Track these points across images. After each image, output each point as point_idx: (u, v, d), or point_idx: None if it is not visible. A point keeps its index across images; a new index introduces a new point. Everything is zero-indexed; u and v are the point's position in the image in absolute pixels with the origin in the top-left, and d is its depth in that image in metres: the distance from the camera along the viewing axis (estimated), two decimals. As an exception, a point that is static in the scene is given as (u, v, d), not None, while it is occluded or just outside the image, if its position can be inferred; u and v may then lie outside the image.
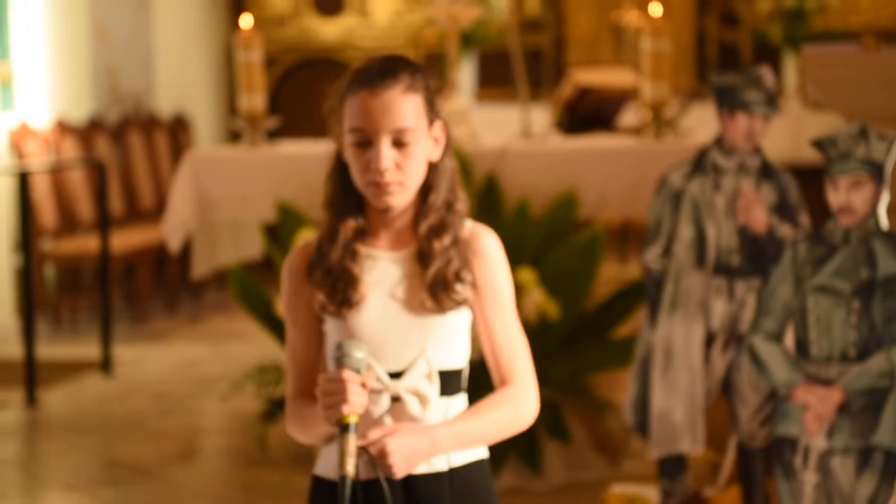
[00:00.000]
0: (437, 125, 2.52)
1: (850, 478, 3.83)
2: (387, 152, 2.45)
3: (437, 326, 2.49)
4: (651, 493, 5.04)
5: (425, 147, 2.50)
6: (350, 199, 2.53)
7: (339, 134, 2.52)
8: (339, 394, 2.38)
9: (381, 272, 2.51)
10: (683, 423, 4.74)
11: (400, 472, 2.43)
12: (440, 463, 2.51)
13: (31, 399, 7.17)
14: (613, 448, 5.80)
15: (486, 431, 2.52)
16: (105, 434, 6.65)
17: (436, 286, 2.48)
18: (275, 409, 5.92)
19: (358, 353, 2.41)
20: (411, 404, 2.48)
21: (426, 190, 2.52)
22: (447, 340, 2.51)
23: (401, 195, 2.48)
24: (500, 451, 5.42)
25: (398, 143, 2.46)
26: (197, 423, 6.90)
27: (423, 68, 2.53)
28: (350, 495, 2.36)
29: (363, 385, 2.40)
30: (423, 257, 2.50)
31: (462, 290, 2.49)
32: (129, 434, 6.63)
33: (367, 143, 2.46)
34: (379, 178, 2.45)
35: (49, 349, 8.15)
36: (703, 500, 4.96)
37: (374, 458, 2.42)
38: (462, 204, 2.54)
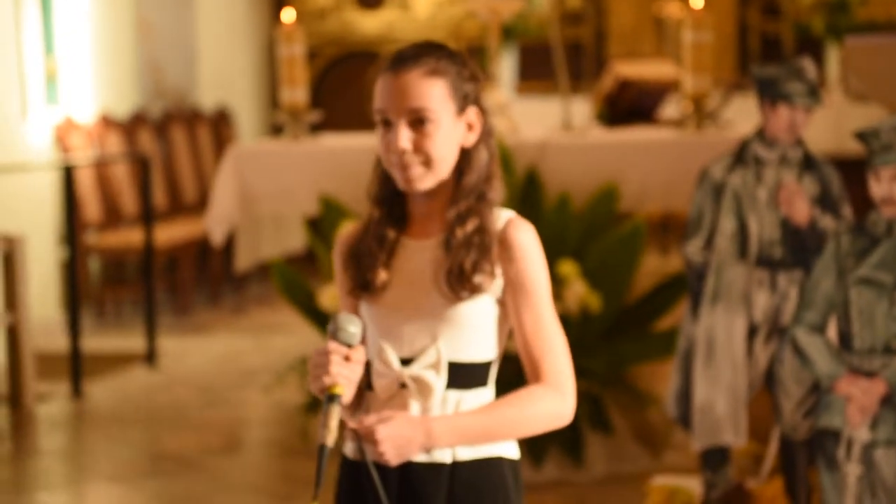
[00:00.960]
0: (472, 111, 2.51)
1: (894, 470, 3.82)
2: (403, 132, 2.46)
3: (451, 316, 2.48)
4: (693, 484, 5.04)
5: (452, 131, 2.49)
6: (388, 186, 2.54)
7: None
8: (323, 366, 2.39)
9: (408, 259, 2.52)
10: (726, 416, 4.74)
11: (391, 459, 2.43)
12: (443, 455, 2.48)
13: (76, 391, 7.23)
14: (655, 440, 5.81)
15: (502, 428, 2.47)
16: (149, 426, 6.70)
17: (452, 273, 2.47)
18: (317, 401, 5.95)
19: (351, 328, 2.42)
20: (413, 392, 2.48)
21: (460, 177, 2.52)
22: (462, 331, 2.49)
23: (426, 179, 2.48)
24: (542, 443, 5.45)
25: (417, 124, 2.46)
26: (240, 415, 6.94)
27: (459, 55, 2.53)
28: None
29: (347, 358, 2.40)
30: (447, 244, 2.50)
31: (479, 279, 2.47)
32: (173, 426, 6.68)
33: (388, 123, 2.48)
34: (398, 159, 2.47)
35: (94, 342, 8.21)
36: (746, 492, 4.95)
37: (364, 442, 2.43)
38: (495, 193, 2.52)
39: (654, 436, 5.83)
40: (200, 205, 9.86)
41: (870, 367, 3.85)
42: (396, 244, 2.53)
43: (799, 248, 4.66)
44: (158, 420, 6.79)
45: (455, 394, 2.49)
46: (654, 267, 7.53)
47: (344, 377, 2.39)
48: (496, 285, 2.50)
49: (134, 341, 8.25)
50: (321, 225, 5.90)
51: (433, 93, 2.47)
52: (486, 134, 2.54)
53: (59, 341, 8.14)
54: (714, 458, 4.84)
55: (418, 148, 2.46)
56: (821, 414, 3.94)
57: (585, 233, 5.60)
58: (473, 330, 2.49)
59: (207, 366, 7.95)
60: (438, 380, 2.48)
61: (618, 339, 5.65)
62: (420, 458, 2.47)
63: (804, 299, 4.01)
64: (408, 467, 2.48)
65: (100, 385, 7.46)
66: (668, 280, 5.80)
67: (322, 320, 5.88)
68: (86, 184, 8.94)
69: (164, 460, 6.10)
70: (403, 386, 2.49)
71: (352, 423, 2.47)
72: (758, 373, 4.76)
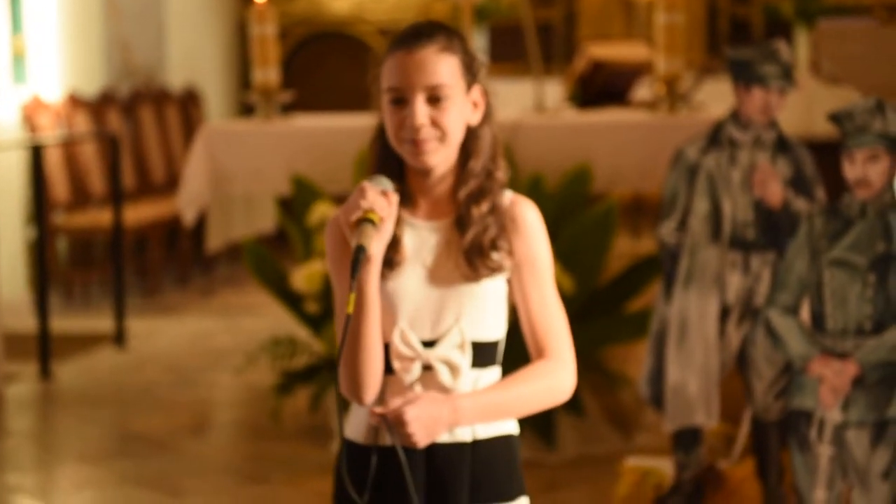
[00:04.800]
0: (476, 90, 2.53)
1: (865, 451, 3.84)
2: (421, 108, 2.46)
3: (472, 295, 2.49)
4: (665, 465, 5.05)
5: (462, 108, 2.50)
6: (391, 166, 2.53)
7: (379, 100, 2.53)
8: (359, 197, 2.41)
9: (419, 241, 2.51)
10: (698, 396, 4.75)
11: (420, 441, 2.43)
12: (464, 434, 2.50)
13: (44, 372, 7.20)
14: (627, 421, 5.82)
15: (515, 404, 2.51)
16: (118, 407, 6.68)
17: (471, 252, 2.48)
18: (288, 382, 5.94)
19: (385, 181, 2.47)
20: (443, 374, 2.49)
21: (465, 156, 2.53)
22: (481, 311, 2.51)
23: (439, 153, 2.48)
24: (514, 424, 5.45)
25: (433, 100, 2.47)
26: (210, 396, 6.92)
27: (463, 35, 2.55)
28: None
29: (384, 194, 2.43)
30: (461, 224, 2.50)
31: (498, 257, 2.49)
32: (143, 407, 6.66)
33: (402, 100, 2.48)
34: (415, 136, 2.46)
35: (62, 322, 8.17)
36: (718, 472, 4.97)
37: (392, 426, 2.43)
38: (502, 173, 2.54)
39: (626, 417, 5.84)
40: (169, 185, 9.82)
41: (842, 348, 3.86)
42: (406, 225, 2.52)
43: (772, 229, 4.67)
44: (128, 401, 6.77)
45: (475, 373, 2.52)
46: (626, 249, 7.54)
47: (380, 207, 2.41)
48: (510, 263, 2.52)
49: (103, 322, 8.21)
50: (293, 205, 5.88)
51: (449, 69, 2.48)
52: (490, 114, 2.56)
53: (27, 322, 8.10)
54: (686, 439, 4.85)
55: (435, 123, 2.47)
56: (793, 395, 3.96)
57: (558, 214, 5.59)
58: (490, 309, 2.52)
59: (177, 347, 7.92)
60: (464, 360, 2.50)
61: (590, 321, 5.65)
62: (443, 438, 2.48)
63: (777, 281, 4.02)
64: (432, 449, 2.49)
65: (68, 366, 7.42)
66: (641, 261, 5.81)
67: (293, 301, 5.86)
68: (54, 163, 8.88)
69: (134, 441, 6.08)
70: (427, 368, 2.49)
71: (377, 409, 2.45)
72: (730, 354, 4.77)
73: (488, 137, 2.54)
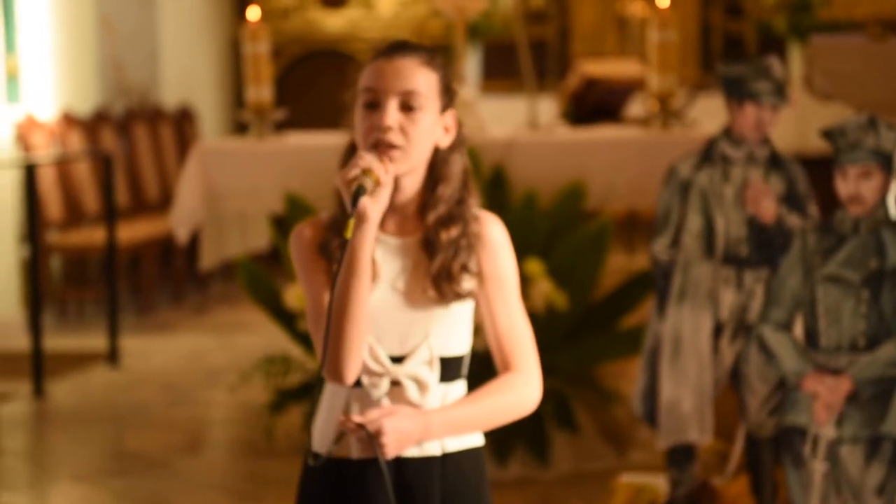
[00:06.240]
0: (450, 115, 2.55)
1: (859, 467, 3.84)
2: (392, 112, 2.48)
3: (441, 315, 2.52)
4: (659, 482, 5.05)
5: (434, 125, 2.51)
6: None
7: (352, 118, 2.53)
8: (358, 160, 2.43)
9: (386, 256, 2.52)
10: (692, 413, 4.75)
11: (390, 452, 2.47)
12: (433, 448, 2.53)
13: (38, 391, 7.18)
14: (621, 438, 5.82)
15: (483, 418, 2.54)
16: (112, 425, 6.66)
17: (440, 278, 2.50)
18: (282, 399, 5.93)
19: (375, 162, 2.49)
20: (410, 390, 2.51)
21: (435, 180, 2.54)
22: (450, 328, 2.54)
23: (402, 162, 2.48)
24: (507, 440, 5.44)
25: (406, 107, 2.49)
26: (204, 414, 6.91)
27: (445, 60, 2.58)
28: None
29: (382, 161, 2.45)
30: (429, 246, 2.51)
31: (467, 282, 2.51)
32: (137, 425, 6.64)
33: (375, 104, 2.49)
34: (381, 136, 2.47)
35: (56, 341, 8.16)
36: (712, 489, 4.96)
37: (372, 435, 2.45)
38: (475, 200, 2.56)
39: (620, 434, 5.84)
40: (163, 203, 9.81)
41: (836, 364, 3.86)
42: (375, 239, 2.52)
43: (765, 246, 4.67)
44: (122, 419, 6.75)
45: (443, 387, 2.54)
46: (620, 265, 7.54)
47: (377, 170, 2.42)
48: (477, 283, 2.54)
49: (96, 341, 8.20)
50: (286, 223, 5.88)
51: (426, 82, 2.50)
52: (460, 142, 2.58)
53: (20, 341, 8.09)
54: (680, 456, 4.85)
55: (404, 131, 2.48)
56: (787, 411, 3.96)
57: (552, 231, 5.60)
58: (459, 326, 2.55)
59: (171, 365, 7.91)
60: (432, 375, 2.52)
61: (584, 338, 5.65)
62: (412, 452, 2.52)
63: (770, 297, 4.02)
64: (402, 463, 2.51)
65: (62, 385, 7.41)
66: (634, 278, 5.82)
67: (287, 320, 5.86)
68: (47, 182, 8.88)
69: (128, 460, 6.07)
70: (395, 384, 2.51)
71: (356, 418, 2.48)
72: (723, 371, 4.77)
73: (458, 164, 2.56)
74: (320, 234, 2.55)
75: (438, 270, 2.50)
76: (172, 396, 7.16)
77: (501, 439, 5.41)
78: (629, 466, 5.55)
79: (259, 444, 6.10)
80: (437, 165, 2.54)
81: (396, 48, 2.52)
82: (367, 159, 2.43)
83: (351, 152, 2.55)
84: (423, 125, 2.49)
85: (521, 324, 2.58)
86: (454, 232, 2.51)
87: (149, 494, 5.58)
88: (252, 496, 5.55)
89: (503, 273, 2.56)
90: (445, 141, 2.55)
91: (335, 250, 2.50)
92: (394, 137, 2.47)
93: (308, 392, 5.85)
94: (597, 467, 5.61)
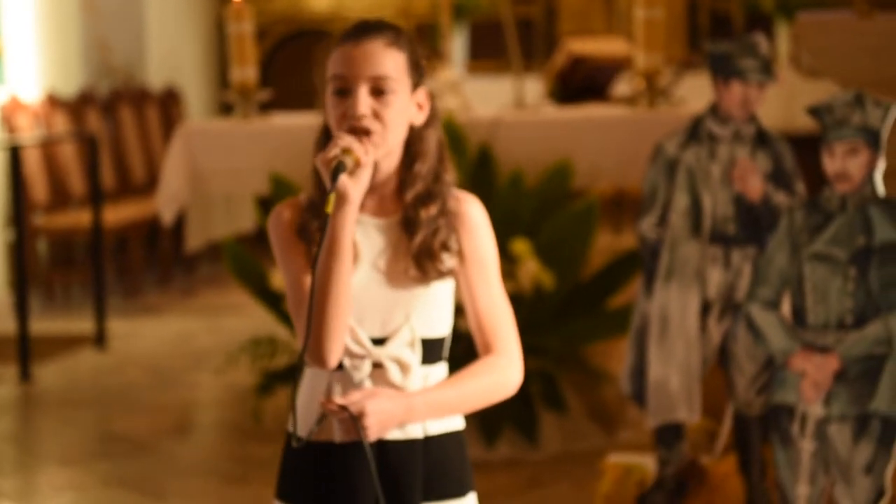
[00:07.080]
0: (422, 92, 2.53)
1: (848, 445, 3.83)
2: (364, 98, 2.46)
3: (422, 295, 2.50)
4: (648, 461, 5.04)
5: (406, 105, 2.50)
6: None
7: (324, 98, 2.52)
8: (337, 141, 2.42)
9: (366, 237, 2.50)
10: (680, 392, 4.74)
11: (373, 434, 2.45)
12: (415, 430, 2.52)
13: (24, 374, 7.16)
14: (609, 417, 5.81)
15: (465, 400, 2.53)
16: (99, 408, 6.64)
17: (421, 255, 2.48)
18: (269, 382, 5.92)
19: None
20: (392, 371, 2.50)
21: (411, 158, 2.52)
22: (431, 309, 2.52)
23: (379, 147, 2.46)
24: (496, 421, 5.43)
25: (377, 92, 2.47)
26: (191, 397, 6.89)
27: (410, 34, 2.54)
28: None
29: (362, 143, 2.43)
30: (408, 225, 2.50)
31: (448, 259, 2.50)
32: (124, 408, 6.63)
33: (346, 91, 2.47)
34: (356, 123, 2.45)
35: (42, 324, 8.13)
36: (700, 468, 4.96)
37: (354, 417, 2.43)
38: (450, 175, 2.54)
39: (608, 413, 5.83)
40: (149, 185, 9.77)
41: (823, 342, 3.85)
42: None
43: (752, 224, 4.66)
44: (109, 402, 6.73)
45: (425, 369, 2.53)
46: (607, 244, 7.53)
47: (357, 150, 2.41)
48: (457, 263, 2.53)
49: (83, 323, 8.18)
50: (272, 204, 5.85)
51: (394, 63, 2.48)
52: (434, 117, 2.56)
53: (6, 324, 8.06)
54: (668, 435, 4.84)
55: (377, 115, 2.46)
56: (775, 390, 3.95)
57: (538, 210, 5.58)
58: (440, 306, 2.54)
59: (158, 348, 7.89)
60: (414, 357, 2.51)
61: (571, 317, 5.64)
62: (394, 435, 2.50)
63: (758, 275, 4.00)
64: (384, 446, 2.50)
65: (49, 368, 7.38)
66: (622, 257, 5.80)
67: (274, 301, 5.84)
68: (32, 164, 8.84)
69: (116, 443, 6.05)
70: (377, 366, 2.50)
71: (338, 400, 2.46)
72: (711, 349, 4.76)
73: (434, 140, 2.54)
74: (299, 216, 2.52)
75: (419, 248, 2.48)
76: (159, 379, 7.14)
77: (490, 420, 5.40)
78: (618, 446, 5.55)
79: (246, 427, 6.08)
80: (412, 143, 2.52)
81: (361, 30, 2.48)
82: (347, 139, 2.42)
83: (325, 136, 2.53)
84: (395, 107, 2.47)
85: (501, 305, 2.56)
86: (433, 210, 2.50)
87: (136, 477, 5.57)
88: (239, 478, 5.54)
89: (483, 253, 2.54)
90: (420, 118, 2.53)
91: (314, 232, 2.48)
92: (368, 123, 2.45)
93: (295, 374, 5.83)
94: (585, 447, 5.61)
